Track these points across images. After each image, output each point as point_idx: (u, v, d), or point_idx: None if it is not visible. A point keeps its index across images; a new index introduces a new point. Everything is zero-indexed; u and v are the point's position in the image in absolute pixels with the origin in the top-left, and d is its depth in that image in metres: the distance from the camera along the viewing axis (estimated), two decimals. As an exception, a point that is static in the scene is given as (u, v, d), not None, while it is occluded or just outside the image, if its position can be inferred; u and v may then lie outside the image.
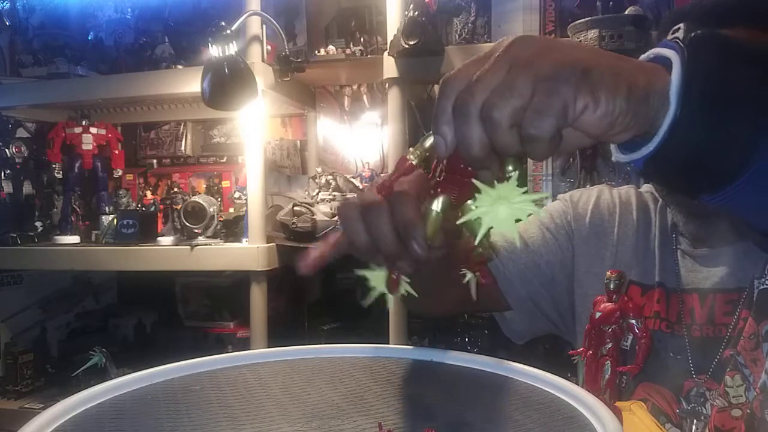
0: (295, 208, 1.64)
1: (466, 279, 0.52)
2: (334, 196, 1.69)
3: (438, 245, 0.48)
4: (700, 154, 0.43)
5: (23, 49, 2.11)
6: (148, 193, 2.12)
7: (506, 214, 0.42)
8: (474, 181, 0.43)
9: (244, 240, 1.66)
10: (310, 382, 0.57)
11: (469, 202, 0.45)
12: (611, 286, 0.73)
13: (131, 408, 0.51)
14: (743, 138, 0.42)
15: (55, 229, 1.92)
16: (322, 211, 1.64)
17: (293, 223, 1.60)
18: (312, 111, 2.04)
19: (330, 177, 1.73)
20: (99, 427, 0.47)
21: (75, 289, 2.18)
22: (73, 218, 1.91)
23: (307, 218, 1.60)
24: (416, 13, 1.46)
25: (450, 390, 0.56)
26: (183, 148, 2.20)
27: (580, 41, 1.35)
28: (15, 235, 1.84)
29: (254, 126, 1.64)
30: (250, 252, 1.60)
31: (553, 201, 1.01)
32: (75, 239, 1.85)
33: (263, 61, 1.63)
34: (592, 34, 1.35)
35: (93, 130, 1.88)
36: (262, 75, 1.59)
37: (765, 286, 0.75)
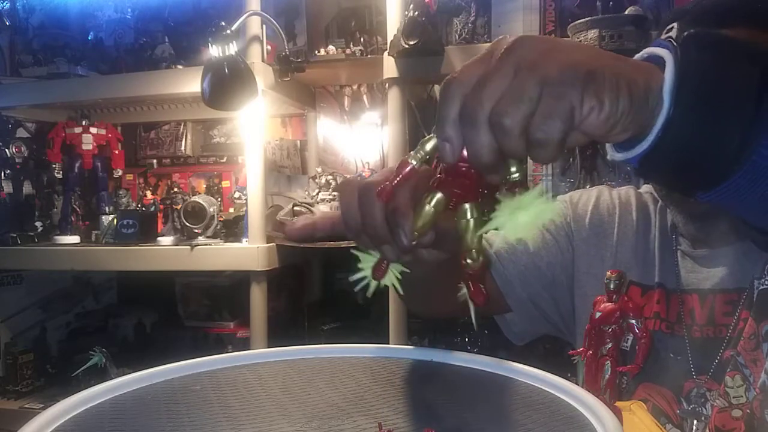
0: (295, 208, 1.65)
1: (460, 293, 0.51)
2: (334, 196, 1.69)
3: (427, 241, 0.48)
4: (694, 151, 0.43)
5: (23, 49, 2.11)
6: (148, 193, 2.12)
7: (526, 220, 0.42)
8: (498, 195, 0.43)
9: (244, 240, 1.66)
10: (310, 382, 0.57)
11: (466, 205, 0.44)
12: (611, 286, 0.73)
13: (131, 408, 0.51)
14: (736, 135, 0.42)
15: (55, 229, 1.92)
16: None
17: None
18: (312, 111, 2.04)
19: (330, 177, 1.73)
20: (99, 427, 0.47)
21: (75, 289, 2.18)
22: (73, 218, 1.91)
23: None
24: (416, 13, 1.46)
25: (450, 390, 0.56)
26: (183, 148, 2.20)
27: (580, 41, 1.35)
28: (15, 235, 1.84)
29: (254, 126, 1.64)
30: (250, 252, 1.60)
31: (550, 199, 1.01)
32: (75, 239, 1.85)
33: (263, 61, 1.63)
34: (592, 34, 1.35)
35: (93, 130, 1.88)
36: (262, 75, 1.59)
37: (765, 287, 0.75)
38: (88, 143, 1.87)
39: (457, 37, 1.69)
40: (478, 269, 0.47)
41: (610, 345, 0.72)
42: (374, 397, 0.53)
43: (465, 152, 0.43)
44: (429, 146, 0.46)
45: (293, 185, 1.93)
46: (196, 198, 1.74)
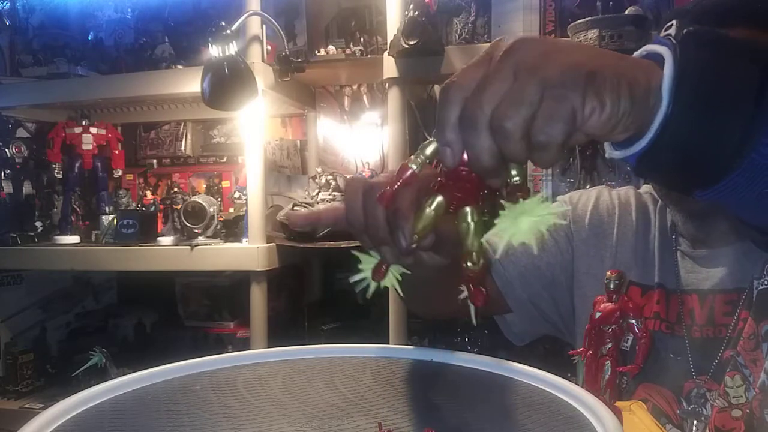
0: (295, 208, 1.64)
1: (461, 295, 0.51)
2: (334, 196, 1.69)
3: (427, 244, 0.48)
4: (692, 149, 0.43)
5: (23, 49, 2.11)
6: (148, 193, 2.12)
7: (528, 226, 0.42)
8: (502, 202, 0.43)
9: (244, 240, 1.66)
10: (310, 382, 0.57)
11: (467, 209, 0.44)
12: (611, 286, 0.73)
13: (131, 408, 0.51)
14: (735, 133, 0.42)
15: (55, 229, 1.92)
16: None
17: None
18: (312, 111, 2.04)
19: (330, 177, 1.73)
20: (99, 427, 0.47)
21: (75, 289, 2.18)
22: (73, 218, 1.91)
23: (307, 218, 1.60)
24: (416, 13, 1.46)
25: (450, 390, 0.56)
26: (183, 148, 2.20)
27: (580, 41, 1.35)
28: (15, 235, 1.84)
29: (254, 126, 1.64)
30: (250, 252, 1.60)
31: (552, 202, 1.01)
32: (75, 239, 1.85)
33: (263, 61, 1.63)
34: (592, 34, 1.35)
35: (93, 130, 1.88)
36: (262, 75, 1.59)
37: (764, 287, 0.75)
38: (88, 143, 1.87)
39: (457, 37, 1.69)
40: (478, 272, 0.47)
41: (610, 345, 0.73)
42: (374, 397, 0.53)
43: (466, 156, 0.43)
44: (429, 150, 0.46)
45: (293, 185, 1.93)
46: (196, 198, 1.74)
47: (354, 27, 1.86)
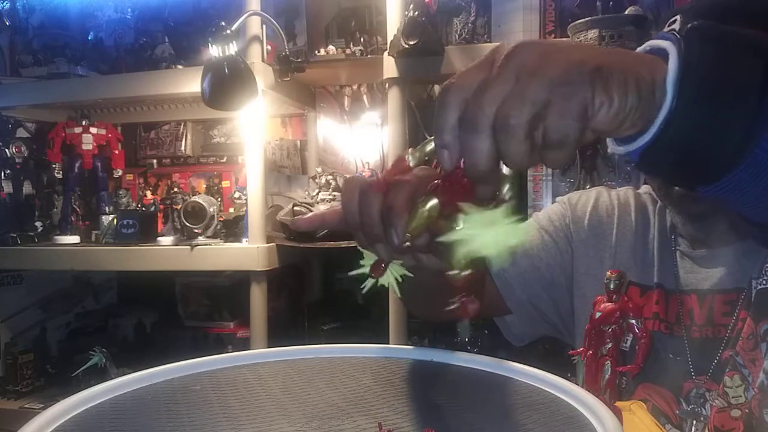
0: (295, 208, 1.64)
1: (451, 308, 0.50)
2: (334, 196, 1.69)
3: (421, 243, 0.48)
4: (696, 145, 0.42)
5: (23, 49, 2.11)
6: (148, 193, 2.12)
7: (492, 240, 0.41)
8: (464, 205, 0.42)
9: (244, 240, 1.66)
10: (310, 382, 0.57)
11: (460, 215, 0.44)
12: (611, 286, 0.73)
13: (131, 408, 0.51)
14: (739, 129, 0.41)
15: (55, 229, 1.92)
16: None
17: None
18: (312, 111, 2.04)
19: (330, 177, 1.73)
20: (99, 427, 0.47)
21: (75, 289, 2.18)
22: (73, 218, 1.91)
23: (307, 218, 1.60)
24: (416, 13, 1.46)
25: (450, 390, 0.56)
26: (183, 148, 2.20)
27: (580, 41, 1.35)
28: (15, 235, 1.84)
29: (254, 126, 1.64)
30: (250, 252, 1.60)
31: (552, 203, 1.02)
32: (75, 239, 1.85)
33: (263, 61, 1.63)
34: (592, 34, 1.35)
35: (93, 130, 1.88)
36: (262, 75, 1.59)
37: (763, 286, 0.75)
38: (88, 143, 1.87)
39: (457, 37, 1.69)
40: (461, 281, 0.46)
41: (610, 345, 0.73)
42: (374, 397, 0.53)
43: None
44: (429, 148, 0.46)
45: (293, 185, 1.93)
46: (196, 198, 1.74)
47: (354, 27, 1.86)
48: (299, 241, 1.60)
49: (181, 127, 2.20)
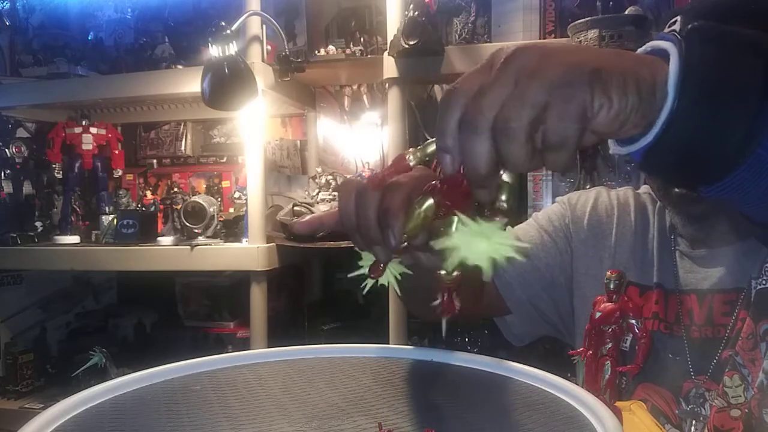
0: (295, 208, 1.65)
1: (434, 303, 0.50)
2: (334, 196, 1.69)
3: (418, 243, 0.48)
4: (698, 145, 0.42)
5: (23, 49, 2.11)
6: (148, 193, 2.12)
7: (483, 250, 0.41)
8: (458, 214, 0.42)
9: (244, 240, 1.66)
10: (310, 382, 0.57)
11: (454, 219, 0.44)
12: (611, 286, 0.73)
13: (131, 408, 0.51)
14: (741, 128, 0.41)
15: (55, 229, 1.92)
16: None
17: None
18: (312, 111, 2.04)
19: (330, 177, 1.73)
20: (99, 427, 0.47)
21: (75, 289, 2.18)
22: (73, 218, 1.91)
23: (307, 218, 1.60)
24: (416, 13, 1.46)
25: (450, 390, 0.56)
26: (183, 148, 2.20)
27: (580, 41, 1.35)
28: (15, 235, 1.84)
29: (254, 126, 1.64)
30: (250, 252, 1.60)
31: (552, 203, 1.02)
32: (75, 239, 1.85)
33: (263, 61, 1.63)
34: (592, 34, 1.35)
35: (93, 130, 1.88)
36: (262, 75, 1.59)
37: (762, 286, 0.75)
38: (88, 143, 1.87)
39: (457, 37, 1.69)
40: (452, 282, 0.46)
41: (610, 345, 0.73)
42: (374, 397, 0.53)
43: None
44: (430, 150, 0.46)
45: (293, 185, 1.93)
46: (196, 198, 1.74)
47: (354, 27, 1.86)
48: (299, 241, 1.60)
49: (181, 127, 2.20)
